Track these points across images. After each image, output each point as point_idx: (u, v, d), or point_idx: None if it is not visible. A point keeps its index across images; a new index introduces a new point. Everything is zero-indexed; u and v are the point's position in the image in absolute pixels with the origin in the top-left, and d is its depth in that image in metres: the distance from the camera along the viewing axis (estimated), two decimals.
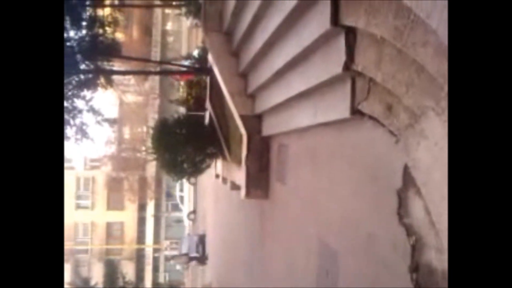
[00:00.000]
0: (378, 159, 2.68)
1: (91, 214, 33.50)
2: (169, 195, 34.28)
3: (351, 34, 2.62)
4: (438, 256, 2.00)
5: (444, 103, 1.80)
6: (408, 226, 2.29)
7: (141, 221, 34.32)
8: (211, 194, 14.30)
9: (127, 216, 34.19)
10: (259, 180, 5.73)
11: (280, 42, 3.94)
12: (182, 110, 14.14)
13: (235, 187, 7.45)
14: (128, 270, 32.02)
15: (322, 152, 3.68)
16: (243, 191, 5.92)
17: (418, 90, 2.02)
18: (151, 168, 30.60)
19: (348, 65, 2.66)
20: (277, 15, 3.69)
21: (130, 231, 34.38)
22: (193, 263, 17.27)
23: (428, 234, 2.08)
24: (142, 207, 33.99)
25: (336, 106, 3.03)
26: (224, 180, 8.94)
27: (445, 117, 1.80)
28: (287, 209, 4.80)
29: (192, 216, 20.69)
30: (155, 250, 34.07)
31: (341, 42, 2.70)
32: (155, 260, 34.09)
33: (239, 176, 6.38)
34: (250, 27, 4.75)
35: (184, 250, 19.01)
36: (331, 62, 2.88)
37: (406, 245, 2.27)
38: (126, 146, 31.83)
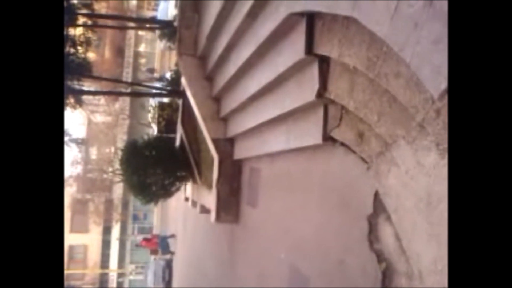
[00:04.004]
0: (349, 185, 2.72)
1: None
2: (136, 218, 33.50)
3: (324, 63, 2.70)
4: (408, 282, 2.03)
5: (415, 133, 1.86)
6: (379, 253, 2.32)
7: (106, 245, 33.27)
8: (179, 217, 14.08)
9: (91, 239, 33.07)
10: (230, 203, 5.70)
11: (255, 68, 3.99)
12: (152, 131, 13.99)
13: (205, 210, 7.37)
14: None
15: (294, 177, 3.71)
16: (213, 215, 5.86)
17: (390, 119, 2.08)
18: (118, 189, 29.93)
19: (321, 93, 2.73)
20: (252, 42, 3.75)
21: (94, 255, 33.21)
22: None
23: (398, 261, 2.11)
24: (107, 230, 33.02)
25: (309, 132, 3.08)
26: (194, 203, 8.84)
27: (416, 145, 1.86)
28: (258, 233, 4.77)
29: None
30: (120, 275, 32.97)
31: (314, 70, 2.76)
32: (120, 285, 32.97)
33: (210, 199, 6.33)
34: (224, 52, 4.80)
35: (150, 275, 18.51)
36: (304, 89, 2.94)
37: (377, 271, 2.29)
38: (92, 167, 31.08)
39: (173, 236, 16.02)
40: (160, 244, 17.00)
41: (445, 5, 1.45)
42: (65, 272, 32.58)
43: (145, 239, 20.26)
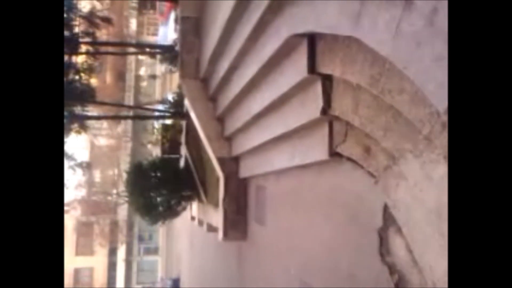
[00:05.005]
0: (357, 199, 2.75)
1: None
2: (142, 239, 33.37)
3: (327, 80, 2.76)
4: None
5: (422, 146, 1.90)
6: (391, 265, 2.34)
7: (112, 266, 33.07)
8: (186, 236, 14.04)
9: (97, 261, 32.87)
10: (237, 221, 5.73)
11: (258, 88, 4.06)
12: (155, 153, 14.05)
13: (211, 229, 7.39)
14: None
15: (301, 194, 3.74)
16: (220, 233, 5.88)
17: (396, 133, 2.12)
18: (123, 211, 29.86)
19: (325, 110, 2.78)
20: (254, 63, 3.82)
21: (100, 277, 32.97)
22: None
23: (411, 273, 2.13)
24: (113, 252, 32.86)
25: (314, 149, 3.13)
26: (200, 222, 8.85)
27: (423, 159, 1.90)
28: (267, 250, 4.78)
29: None
30: None
31: (318, 88, 2.82)
32: None
33: (216, 218, 6.35)
34: (227, 74, 4.88)
35: None
36: (308, 107, 3.00)
37: (389, 283, 2.31)
38: (97, 190, 31.08)
39: (177, 280, 16.04)
40: None
41: (445, 24, 1.51)
42: None
43: None
